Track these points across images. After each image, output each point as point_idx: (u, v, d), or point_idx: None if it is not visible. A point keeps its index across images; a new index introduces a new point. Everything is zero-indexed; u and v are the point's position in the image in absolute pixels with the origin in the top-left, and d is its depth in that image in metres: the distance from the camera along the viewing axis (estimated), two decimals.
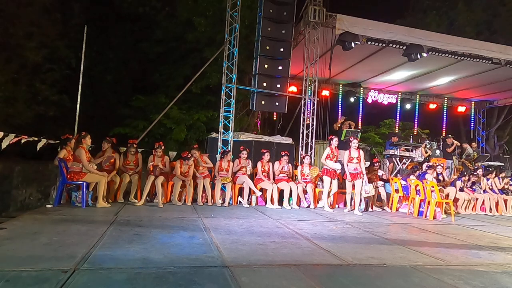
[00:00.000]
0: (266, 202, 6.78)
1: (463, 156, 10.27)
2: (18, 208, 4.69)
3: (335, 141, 6.93)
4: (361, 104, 13.44)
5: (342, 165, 6.82)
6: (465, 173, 8.56)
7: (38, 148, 6.09)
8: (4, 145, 5.23)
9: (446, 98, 14.10)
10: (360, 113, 13.53)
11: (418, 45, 8.40)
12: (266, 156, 7.08)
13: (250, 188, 6.71)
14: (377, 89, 13.29)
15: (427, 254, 3.67)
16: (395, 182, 7.59)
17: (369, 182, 6.82)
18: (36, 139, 6.13)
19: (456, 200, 7.66)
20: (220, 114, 8.05)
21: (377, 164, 7.72)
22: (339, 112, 13.25)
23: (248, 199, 6.71)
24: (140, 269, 2.64)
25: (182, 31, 11.52)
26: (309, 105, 8.73)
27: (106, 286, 2.30)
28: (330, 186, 6.83)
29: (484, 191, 8.27)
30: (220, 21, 9.49)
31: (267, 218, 5.41)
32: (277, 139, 8.34)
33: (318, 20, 8.11)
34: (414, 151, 9.59)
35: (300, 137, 8.56)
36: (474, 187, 8.17)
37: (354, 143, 6.69)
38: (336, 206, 7.34)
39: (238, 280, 2.51)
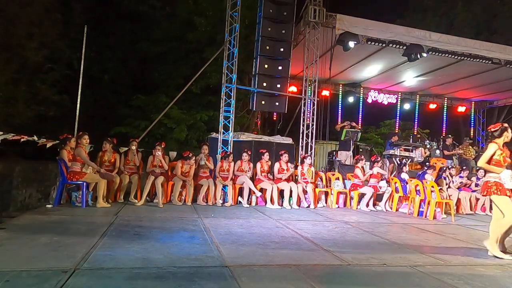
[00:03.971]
0: (266, 202, 6.78)
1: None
2: (18, 208, 4.69)
3: (511, 133, 3.98)
4: (361, 104, 13.44)
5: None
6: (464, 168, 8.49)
7: (47, 146, 6.16)
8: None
9: (446, 98, 14.10)
10: (360, 113, 13.53)
11: (418, 45, 8.40)
12: (266, 156, 7.08)
13: (250, 189, 6.71)
14: (377, 89, 13.29)
15: (427, 254, 3.67)
16: (395, 182, 7.59)
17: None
18: (36, 139, 6.13)
19: (458, 201, 7.64)
20: (220, 114, 8.05)
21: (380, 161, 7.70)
22: (339, 112, 13.25)
23: (248, 199, 6.71)
24: (140, 269, 2.64)
25: (182, 31, 11.51)
26: (309, 105, 8.73)
27: (106, 286, 2.30)
28: None
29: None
30: (220, 21, 9.48)
31: (267, 218, 5.41)
32: (277, 139, 8.35)
33: (318, 20, 8.12)
34: (414, 151, 9.58)
35: (300, 137, 8.56)
36: (476, 188, 8.13)
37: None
38: (336, 206, 7.33)
39: (238, 280, 2.51)
